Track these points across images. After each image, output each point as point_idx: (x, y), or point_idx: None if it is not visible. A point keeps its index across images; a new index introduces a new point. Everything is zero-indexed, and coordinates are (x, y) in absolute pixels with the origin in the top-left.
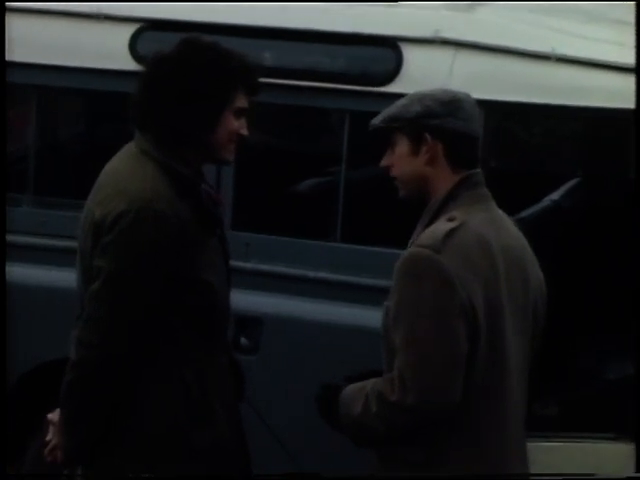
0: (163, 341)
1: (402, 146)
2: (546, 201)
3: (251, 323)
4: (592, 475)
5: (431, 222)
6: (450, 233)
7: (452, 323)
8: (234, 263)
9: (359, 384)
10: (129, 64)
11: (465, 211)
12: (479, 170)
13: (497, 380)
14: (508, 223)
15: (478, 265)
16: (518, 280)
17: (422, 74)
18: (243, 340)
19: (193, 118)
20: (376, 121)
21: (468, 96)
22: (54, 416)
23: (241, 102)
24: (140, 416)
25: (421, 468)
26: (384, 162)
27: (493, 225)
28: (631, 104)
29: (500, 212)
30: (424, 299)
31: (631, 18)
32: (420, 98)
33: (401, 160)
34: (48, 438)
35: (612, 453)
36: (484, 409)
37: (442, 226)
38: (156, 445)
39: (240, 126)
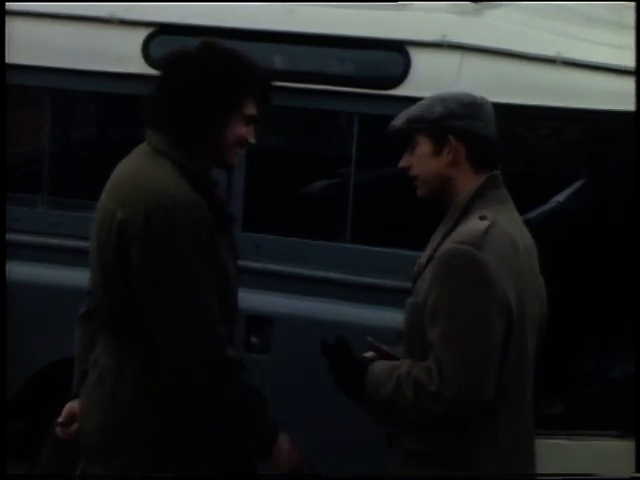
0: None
1: (424, 147)
2: (552, 202)
3: (262, 323)
4: (594, 475)
5: (458, 221)
6: (487, 231)
7: (492, 320)
8: (245, 264)
9: (388, 364)
10: (142, 68)
11: (494, 210)
12: (499, 171)
13: (523, 378)
14: (522, 222)
15: (510, 263)
16: (534, 280)
17: (429, 77)
18: (254, 339)
19: (203, 120)
20: (397, 123)
21: (486, 100)
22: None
23: (250, 110)
24: (158, 416)
25: (450, 464)
26: (403, 163)
27: (517, 225)
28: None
29: (515, 211)
30: (466, 295)
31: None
32: (442, 100)
33: (422, 161)
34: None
35: (616, 450)
36: (514, 407)
37: (478, 224)
38: (173, 445)
39: (248, 133)
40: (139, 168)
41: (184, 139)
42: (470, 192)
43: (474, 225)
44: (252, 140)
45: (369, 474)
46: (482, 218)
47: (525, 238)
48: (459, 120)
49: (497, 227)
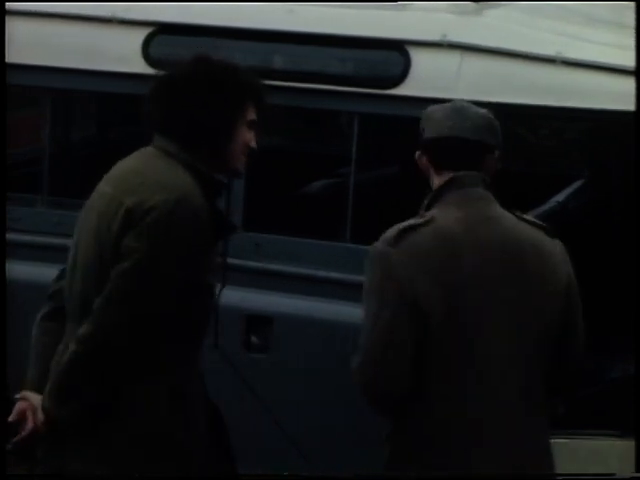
0: (160, 339)
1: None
2: (552, 202)
3: (261, 322)
4: (594, 475)
5: None
6: (408, 229)
7: (391, 314)
8: (244, 263)
9: None
10: (142, 67)
11: (441, 210)
12: (468, 172)
13: (457, 376)
14: (498, 221)
15: (435, 263)
16: (507, 276)
17: (429, 77)
18: (253, 339)
19: (213, 128)
20: None
21: (440, 105)
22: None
23: (252, 115)
24: (128, 416)
25: (390, 441)
26: None
27: (469, 224)
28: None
29: (491, 211)
30: (372, 289)
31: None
32: None
33: None
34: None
35: (616, 450)
36: (443, 396)
37: (406, 223)
38: (143, 445)
39: (251, 138)
40: (149, 164)
41: (194, 145)
42: (430, 194)
43: (401, 224)
44: (254, 145)
45: (369, 474)
46: (419, 217)
47: (484, 236)
48: (421, 134)
49: (430, 226)
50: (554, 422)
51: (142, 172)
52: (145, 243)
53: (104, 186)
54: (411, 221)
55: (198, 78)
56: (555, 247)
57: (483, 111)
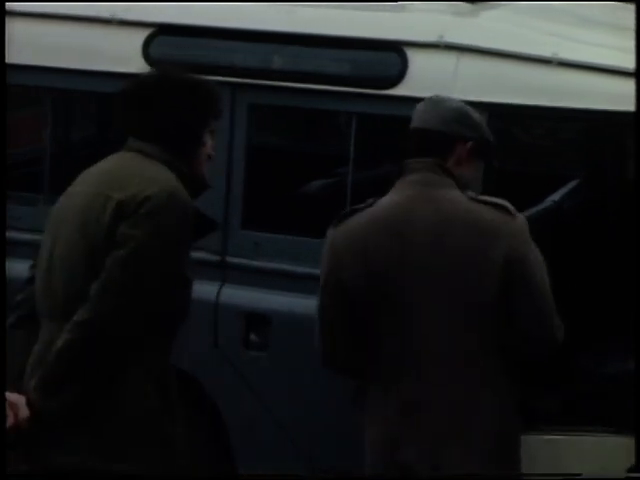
0: (150, 329)
1: None
2: (547, 202)
3: (260, 321)
4: (593, 475)
5: None
6: (349, 213)
7: (326, 291)
8: (243, 262)
9: None
10: (142, 68)
11: (387, 195)
12: (419, 159)
13: (398, 351)
14: (439, 202)
15: (362, 244)
16: (440, 254)
17: (426, 78)
18: (252, 337)
19: (192, 131)
20: None
21: (432, 96)
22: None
23: (212, 125)
24: (118, 405)
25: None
26: None
27: (405, 207)
28: (631, 107)
29: (437, 193)
30: (320, 270)
31: (631, 23)
32: None
33: None
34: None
35: (613, 446)
36: (380, 376)
37: (353, 207)
38: (133, 434)
39: (210, 146)
40: (132, 163)
41: (173, 147)
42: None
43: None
44: (213, 154)
45: (369, 473)
46: (366, 202)
47: (428, 219)
48: None
49: (367, 210)
50: (551, 419)
51: (125, 171)
52: (141, 231)
53: (79, 187)
54: (357, 205)
55: (175, 82)
56: (503, 222)
57: (457, 104)
